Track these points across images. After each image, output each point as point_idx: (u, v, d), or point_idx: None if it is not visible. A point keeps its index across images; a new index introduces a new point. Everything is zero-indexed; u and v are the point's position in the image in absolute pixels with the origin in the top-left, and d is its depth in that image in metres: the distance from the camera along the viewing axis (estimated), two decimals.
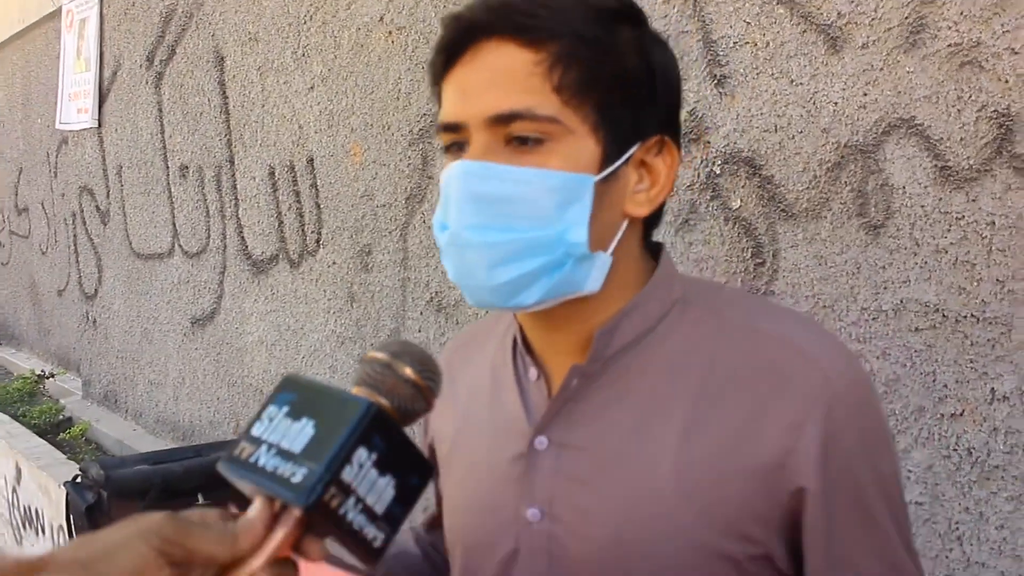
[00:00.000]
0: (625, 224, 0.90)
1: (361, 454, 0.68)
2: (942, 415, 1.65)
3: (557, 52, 0.84)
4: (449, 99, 0.88)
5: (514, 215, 0.85)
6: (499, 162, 0.85)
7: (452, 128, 0.88)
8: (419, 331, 2.94)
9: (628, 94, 0.87)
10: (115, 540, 0.65)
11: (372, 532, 0.70)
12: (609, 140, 0.87)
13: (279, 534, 0.68)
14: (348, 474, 0.68)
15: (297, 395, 0.73)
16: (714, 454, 0.88)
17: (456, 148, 0.89)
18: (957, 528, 1.65)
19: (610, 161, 0.87)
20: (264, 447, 0.70)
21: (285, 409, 0.72)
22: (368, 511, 0.69)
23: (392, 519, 0.71)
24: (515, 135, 0.85)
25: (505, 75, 0.84)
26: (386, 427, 0.71)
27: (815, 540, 0.87)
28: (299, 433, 0.69)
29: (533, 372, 0.97)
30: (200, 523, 0.68)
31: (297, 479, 0.67)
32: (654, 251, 0.97)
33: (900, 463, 0.93)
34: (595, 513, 0.91)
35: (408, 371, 0.74)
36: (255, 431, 0.72)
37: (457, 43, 0.87)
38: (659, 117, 0.91)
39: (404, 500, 0.72)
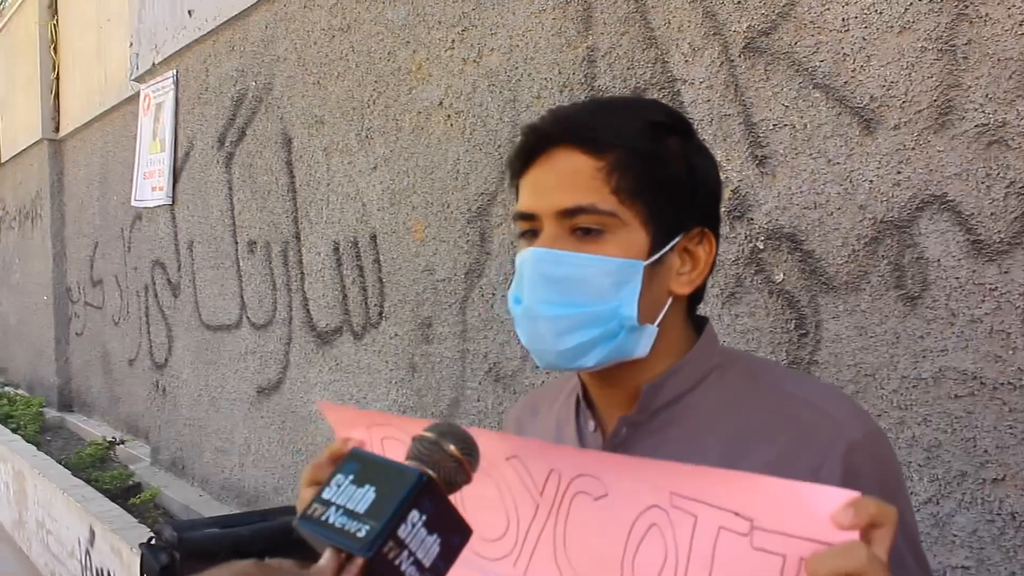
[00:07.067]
0: (670, 300, 1.05)
1: (414, 515, 0.82)
2: (984, 480, 1.69)
3: (614, 160, 1.00)
4: (525, 194, 1.06)
5: (577, 293, 1.00)
6: (565, 249, 1.01)
7: (527, 217, 1.05)
8: (478, 400, 3.04)
9: (672, 195, 1.03)
10: None
11: None
12: (656, 232, 1.02)
13: None
14: (403, 531, 0.81)
15: (360, 466, 0.87)
16: None
17: (530, 234, 1.05)
18: None
19: (657, 249, 1.02)
20: (333, 508, 0.84)
21: (351, 477, 0.86)
22: (418, 564, 0.83)
23: (437, 572, 0.84)
24: (579, 226, 1.01)
25: (571, 177, 1.01)
26: (434, 494, 0.84)
27: None
28: (363, 497, 0.83)
29: (591, 424, 1.12)
30: (279, 569, 0.80)
31: (362, 534, 0.80)
32: (699, 324, 1.12)
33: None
34: None
35: (453, 448, 0.88)
36: (325, 495, 0.86)
37: (532, 149, 1.05)
38: (699, 213, 1.07)
39: (446, 556, 0.84)
